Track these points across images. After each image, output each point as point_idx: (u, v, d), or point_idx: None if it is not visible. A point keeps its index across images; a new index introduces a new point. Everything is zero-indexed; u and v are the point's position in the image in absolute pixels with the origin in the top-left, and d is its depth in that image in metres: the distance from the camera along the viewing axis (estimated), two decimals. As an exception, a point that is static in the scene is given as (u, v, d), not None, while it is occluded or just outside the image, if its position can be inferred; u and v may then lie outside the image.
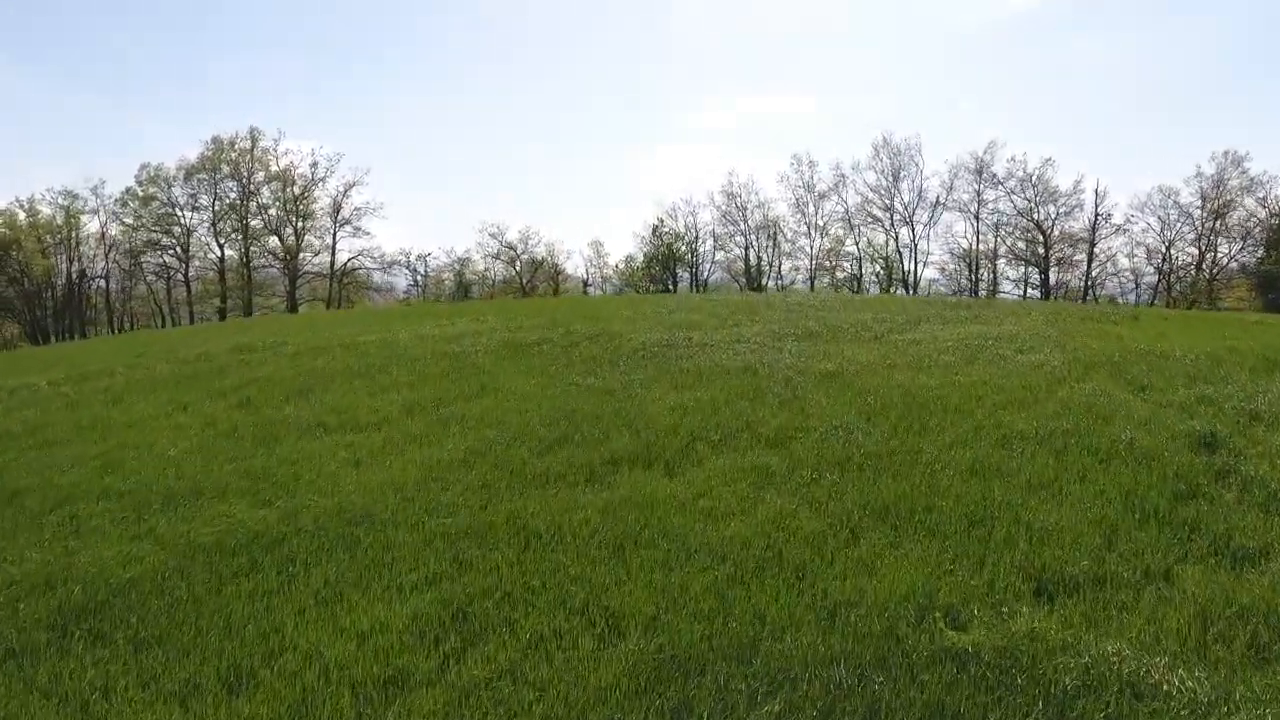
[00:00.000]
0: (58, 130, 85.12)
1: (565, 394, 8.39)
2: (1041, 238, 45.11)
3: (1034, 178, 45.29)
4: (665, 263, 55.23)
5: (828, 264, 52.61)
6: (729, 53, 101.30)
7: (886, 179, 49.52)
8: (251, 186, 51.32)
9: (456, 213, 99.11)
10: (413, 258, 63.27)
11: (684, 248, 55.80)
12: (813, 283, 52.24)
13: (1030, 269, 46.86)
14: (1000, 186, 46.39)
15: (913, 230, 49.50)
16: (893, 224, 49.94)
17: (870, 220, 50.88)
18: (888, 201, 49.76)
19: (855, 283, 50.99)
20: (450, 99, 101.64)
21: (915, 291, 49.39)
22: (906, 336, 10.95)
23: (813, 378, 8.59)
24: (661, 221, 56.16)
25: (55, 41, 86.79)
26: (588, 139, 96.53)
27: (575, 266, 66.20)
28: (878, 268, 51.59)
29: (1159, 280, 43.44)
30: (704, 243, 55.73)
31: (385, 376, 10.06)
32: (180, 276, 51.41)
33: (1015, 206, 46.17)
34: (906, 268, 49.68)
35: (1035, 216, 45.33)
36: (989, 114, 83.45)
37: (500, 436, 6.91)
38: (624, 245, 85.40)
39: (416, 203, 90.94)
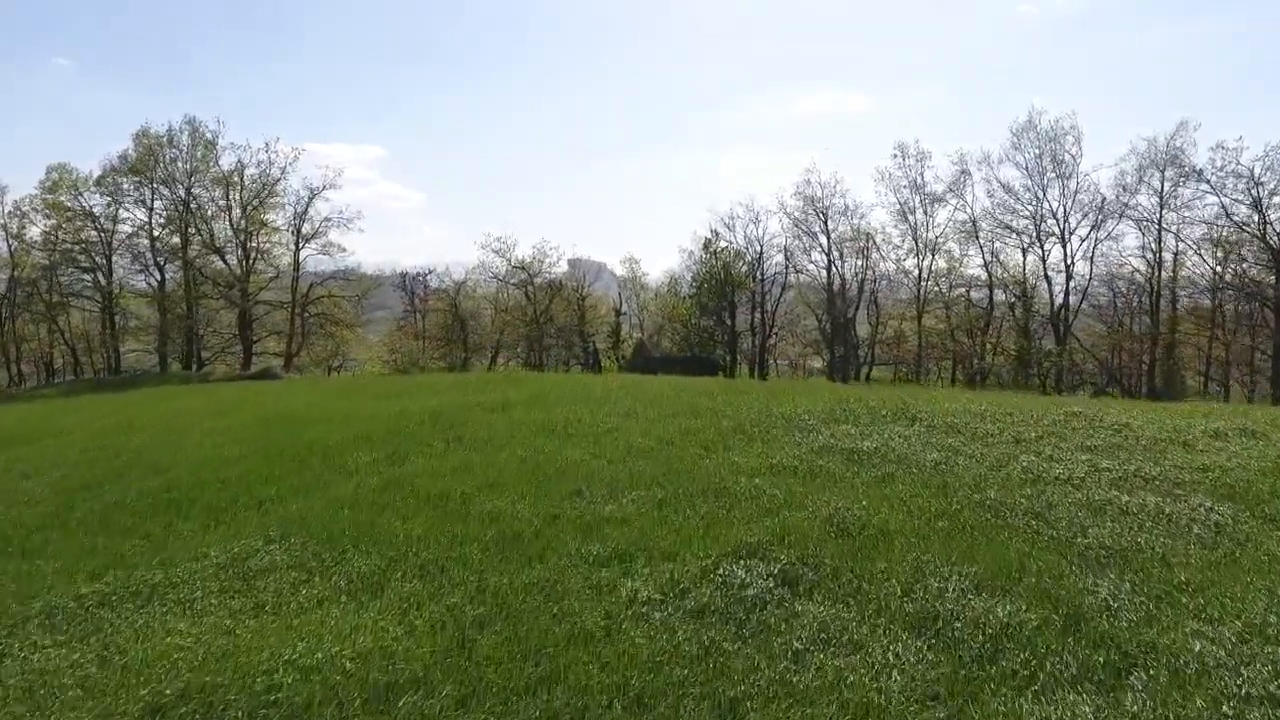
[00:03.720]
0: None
1: None
2: (1273, 260, 33.51)
3: (1257, 173, 33.60)
4: (719, 289, 45.38)
5: (941, 289, 41.96)
6: (782, 49, 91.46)
7: (1035, 177, 38.58)
8: (191, 194, 43.51)
9: (478, 223, 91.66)
10: (408, 279, 55.60)
11: (744, 268, 45.84)
12: (920, 317, 41.66)
13: (1252, 304, 35.17)
14: (1204, 183, 34.96)
15: (1065, 247, 38.48)
16: (1037, 237, 39.00)
17: (1004, 232, 40.05)
18: (1032, 208, 38.85)
19: (986, 316, 40.20)
20: (474, 101, 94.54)
21: (1068, 330, 38.37)
22: None
23: None
24: (716, 234, 46.42)
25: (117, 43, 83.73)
26: (621, 142, 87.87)
27: (606, 286, 57.44)
28: (1010, 297, 40.71)
29: None
30: (770, 258, 45.74)
31: None
32: (98, 311, 43.92)
33: (1229, 214, 34.61)
34: (1058, 301, 38.66)
35: (1261, 229, 33.78)
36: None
37: None
38: (667, 259, 75.77)
39: (439, 212, 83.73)
